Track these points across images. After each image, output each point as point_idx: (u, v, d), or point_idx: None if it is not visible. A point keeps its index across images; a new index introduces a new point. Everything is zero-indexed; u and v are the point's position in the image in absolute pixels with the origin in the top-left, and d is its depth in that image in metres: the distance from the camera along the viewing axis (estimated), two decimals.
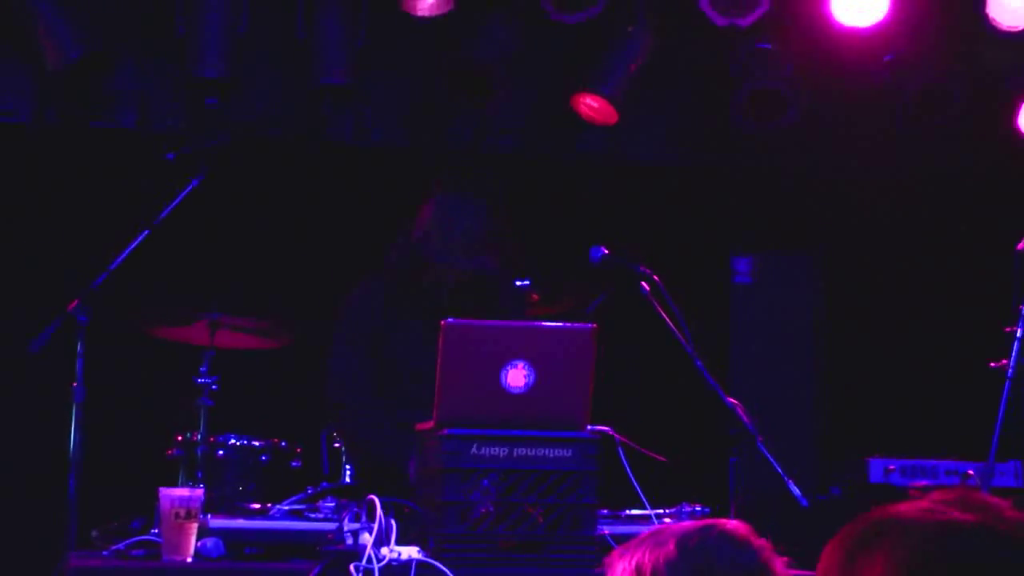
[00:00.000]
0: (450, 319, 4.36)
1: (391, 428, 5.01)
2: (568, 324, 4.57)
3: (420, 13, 6.39)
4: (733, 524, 2.19)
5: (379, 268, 5.25)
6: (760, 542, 2.21)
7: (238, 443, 5.43)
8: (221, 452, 5.42)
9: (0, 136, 6.63)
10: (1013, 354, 4.81)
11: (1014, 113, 6.83)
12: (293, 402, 5.96)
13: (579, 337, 4.41)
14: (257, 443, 5.44)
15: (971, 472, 5.50)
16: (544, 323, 4.63)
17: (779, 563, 2.19)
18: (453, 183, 5.28)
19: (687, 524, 2.18)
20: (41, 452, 6.02)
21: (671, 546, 2.14)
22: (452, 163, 6.92)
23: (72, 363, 5.09)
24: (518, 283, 5.43)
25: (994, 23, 6.58)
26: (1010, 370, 4.79)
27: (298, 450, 5.60)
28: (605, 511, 4.53)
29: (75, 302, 5.24)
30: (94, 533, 4.73)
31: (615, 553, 2.12)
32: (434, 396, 4.33)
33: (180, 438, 5.54)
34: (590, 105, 6.75)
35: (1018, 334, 4.81)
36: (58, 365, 5.17)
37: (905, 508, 1.77)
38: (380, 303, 5.15)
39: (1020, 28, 6.58)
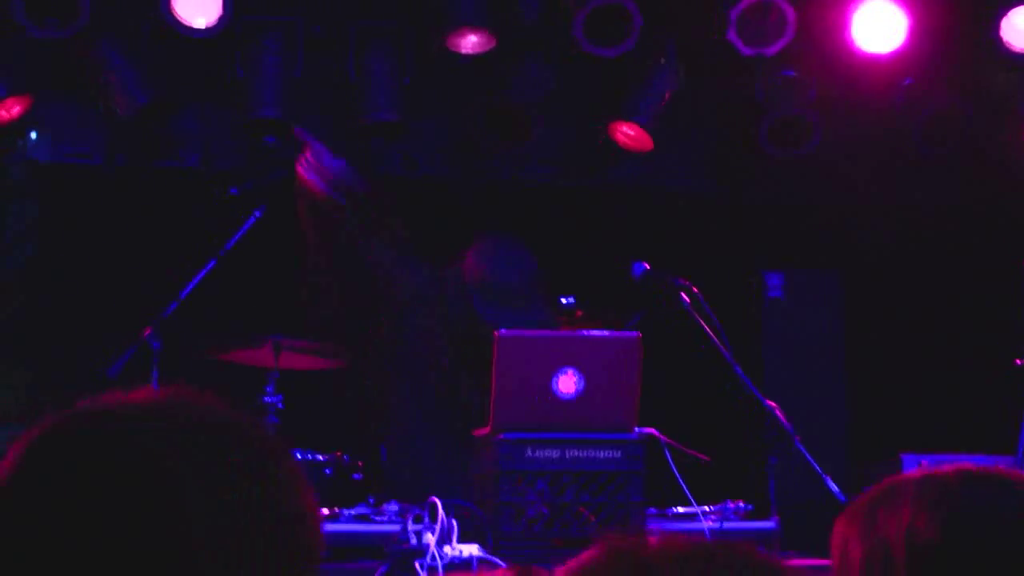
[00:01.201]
0: (503, 330, 4.44)
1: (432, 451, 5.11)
2: (614, 332, 4.65)
3: (464, 51, 6.50)
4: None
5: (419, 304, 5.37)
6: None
7: (303, 457, 5.49)
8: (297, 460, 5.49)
9: (76, 177, 6.78)
10: None
11: None
12: (353, 418, 6.04)
13: (625, 345, 4.49)
14: (321, 457, 5.50)
15: (1001, 466, 5.52)
16: (592, 332, 4.71)
17: None
18: (493, 231, 5.38)
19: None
20: None
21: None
22: (495, 193, 7.02)
23: (147, 386, 5.17)
24: (564, 300, 5.51)
25: (1008, 47, 6.62)
26: None
27: (359, 463, 5.66)
28: (653, 509, 4.59)
29: (149, 329, 5.36)
30: None
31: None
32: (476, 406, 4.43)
33: None
34: (627, 133, 6.83)
35: None
36: (134, 388, 5.25)
37: (921, 471, 1.74)
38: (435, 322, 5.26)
39: None
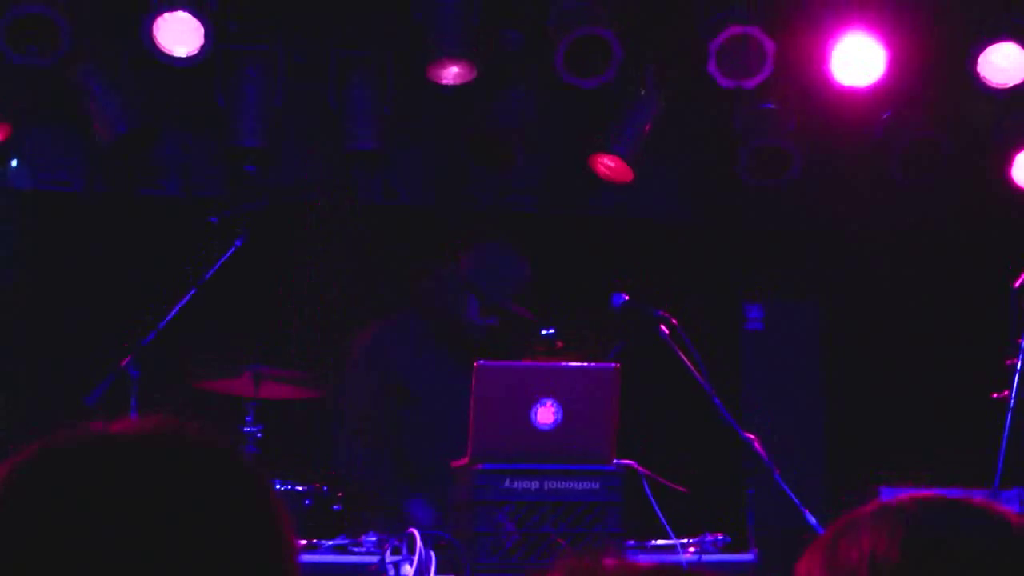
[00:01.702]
0: (482, 361, 4.43)
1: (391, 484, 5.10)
2: (593, 364, 4.64)
3: (445, 81, 6.51)
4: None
5: (396, 310, 5.36)
6: None
7: (282, 488, 5.47)
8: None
9: (55, 205, 6.77)
10: (1014, 385, 4.85)
11: (1007, 165, 6.90)
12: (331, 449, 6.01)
13: (603, 376, 4.48)
14: (300, 488, 5.47)
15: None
16: (570, 363, 4.70)
17: None
18: (489, 237, 5.40)
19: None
20: None
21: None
22: (477, 222, 7.02)
23: (126, 415, 5.15)
24: (544, 331, 5.49)
25: (984, 81, 6.66)
26: (1011, 400, 4.84)
27: (339, 494, 5.63)
28: (631, 541, 4.57)
29: (128, 358, 5.33)
30: None
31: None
32: (451, 428, 4.41)
33: None
34: (607, 165, 6.85)
35: (1018, 366, 4.86)
36: (112, 418, 5.22)
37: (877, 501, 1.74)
38: (400, 339, 5.23)
39: (1009, 86, 6.66)
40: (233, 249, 5.55)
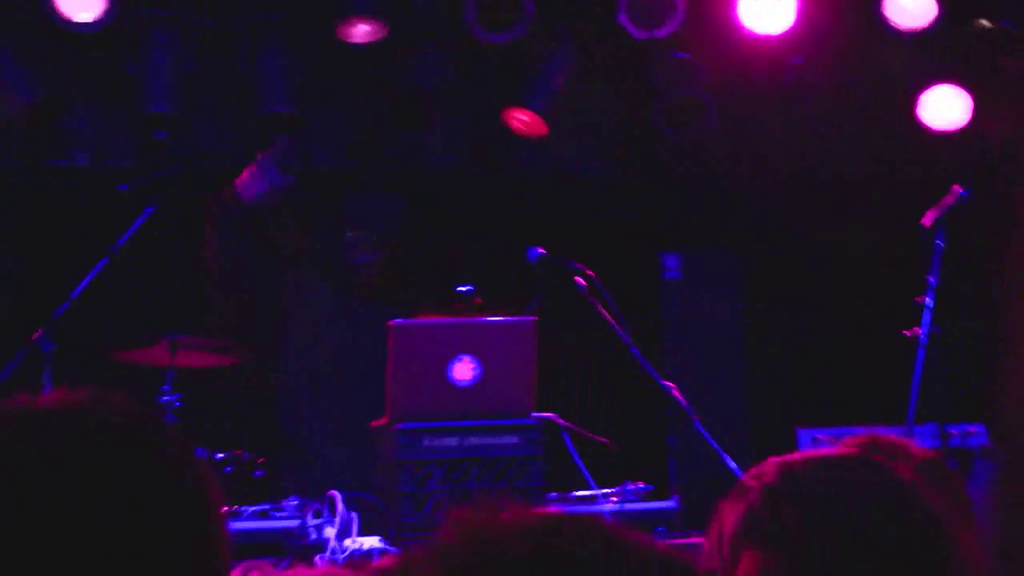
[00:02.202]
0: (397, 319, 4.39)
1: None
2: (510, 318, 4.62)
3: (356, 40, 6.42)
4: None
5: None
6: None
7: (202, 456, 5.40)
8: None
9: None
10: (924, 322, 4.88)
11: (916, 107, 6.93)
12: (253, 415, 5.95)
13: (521, 330, 4.46)
14: (220, 455, 5.41)
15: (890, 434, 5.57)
16: (487, 318, 4.68)
17: None
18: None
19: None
20: None
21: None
22: (392, 182, 6.96)
23: (40, 390, 5.06)
24: (461, 288, 5.46)
25: (892, 25, 6.68)
26: (922, 337, 4.87)
27: (260, 460, 5.58)
28: (554, 493, 4.56)
29: (40, 331, 5.22)
30: None
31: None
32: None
33: None
34: (521, 119, 6.80)
35: (927, 303, 4.89)
36: (26, 393, 5.12)
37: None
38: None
39: (916, 29, 6.69)
40: (144, 217, 5.45)
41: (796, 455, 1.82)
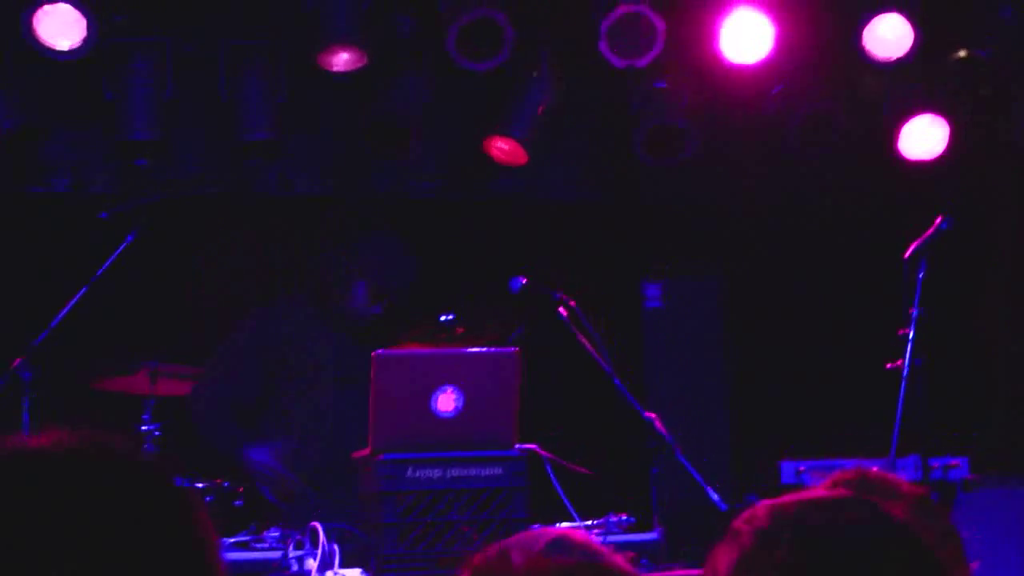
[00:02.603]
0: (380, 350, 4.37)
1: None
2: (492, 349, 4.61)
3: (335, 68, 6.42)
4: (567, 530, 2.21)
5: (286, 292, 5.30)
6: (596, 542, 2.26)
7: (182, 485, 5.36)
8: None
9: None
10: (907, 355, 4.89)
11: (895, 137, 6.97)
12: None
13: (504, 361, 4.44)
14: (201, 484, 5.38)
15: (875, 468, 5.58)
16: (470, 349, 4.66)
17: (620, 560, 2.23)
18: (384, 227, 5.37)
19: (519, 537, 2.20)
20: None
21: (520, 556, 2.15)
22: (372, 209, 6.94)
23: (19, 418, 5.03)
24: (443, 317, 5.44)
25: (870, 55, 6.71)
26: (905, 370, 4.88)
27: (239, 489, 5.54)
28: (537, 525, 4.54)
29: (18, 360, 5.19)
30: None
31: None
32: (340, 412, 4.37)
33: None
34: (501, 148, 6.81)
35: (910, 336, 4.90)
36: (4, 421, 5.10)
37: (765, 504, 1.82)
38: (286, 322, 5.16)
39: (894, 59, 6.72)
40: (125, 245, 5.42)
41: (787, 497, 1.82)
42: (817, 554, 1.70)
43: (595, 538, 2.19)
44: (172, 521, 1.31)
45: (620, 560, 1.96)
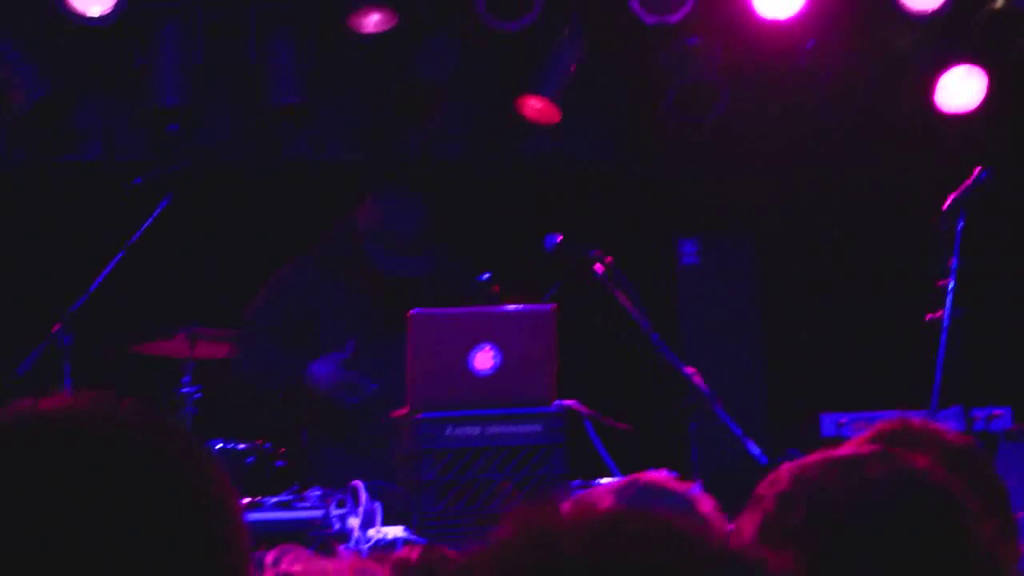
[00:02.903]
0: (416, 309, 4.37)
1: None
2: (529, 306, 4.60)
3: (366, 30, 6.40)
4: (655, 475, 2.22)
5: (308, 254, 5.27)
6: (686, 486, 2.25)
7: (224, 447, 5.39)
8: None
9: None
10: (947, 306, 4.86)
11: (931, 89, 6.90)
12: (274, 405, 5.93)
13: (540, 318, 4.44)
14: (242, 446, 5.40)
15: (919, 419, 5.55)
16: (506, 307, 4.66)
17: (706, 505, 2.23)
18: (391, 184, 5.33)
19: (612, 483, 2.20)
20: None
21: (611, 500, 2.15)
22: (404, 172, 6.94)
23: (59, 383, 5.06)
24: (479, 276, 5.43)
25: (904, 7, 6.65)
26: (945, 321, 4.85)
27: (281, 450, 5.57)
28: (577, 482, 4.54)
29: (58, 325, 5.22)
30: None
31: None
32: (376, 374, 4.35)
33: None
34: (534, 107, 6.78)
35: (950, 287, 4.87)
36: (46, 387, 5.13)
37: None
38: (309, 286, 5.15)
39: (929, 11, 6.66)
40: (159, 210, 5.44)
41: (812, 457, 1.82)
42: (835, 516, 1.70)
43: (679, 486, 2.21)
44: (185, 479, 1.29)
45: (703, 505, 1.96)
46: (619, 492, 2.23)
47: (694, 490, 2.28)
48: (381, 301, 5.03)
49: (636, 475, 2.26)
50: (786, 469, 1.80)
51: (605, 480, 4.57)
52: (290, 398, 4.98)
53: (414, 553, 2.23)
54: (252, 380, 5.07)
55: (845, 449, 1.91)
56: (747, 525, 1.76)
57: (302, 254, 5.34)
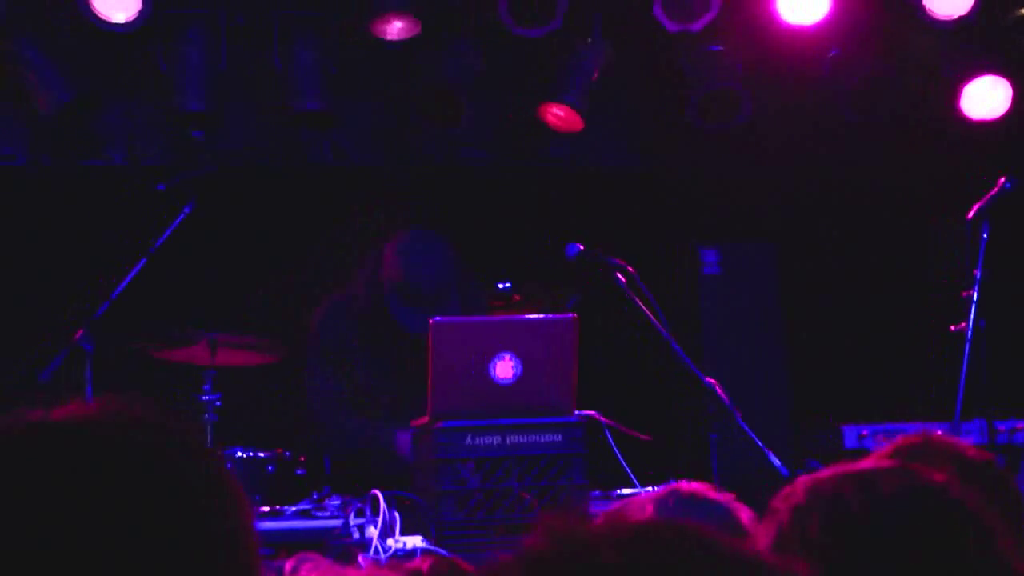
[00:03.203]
0: (437, 317, 4.37)
1: (368, 434, 5.04)
2: (550, 316, 4.59)
3: (390, 37, 6.41)
4: (694, 485, 2.22)
5: (343, 292, 5.29)
6: (725, 496, 2.24)
7: (244, 455, 5.39)
8: (229, 465, 5.38)
9: (0, 179, 6.63)
10: (970, 317, 4.82)
11: (956, 97, 6.86)
12: (294, 413, 5.94)
13: (561, 327, 4.42)
14: (262, 454, 5.40)
15: (939, 432, 5.53)
16: (527, 316, 4.65)
17: (745, 514, 2.22)
18: (414, 225, 5.32)
19: (652, 493, 2.21)
20: None
21: (650, 510, 2.15)
22: (427, 178, 6.94)
23: (81, 389, 5.08)
24: (500, 285, 5.43)
25: (930, 13, 6.61)
26: (969, 332, 4.81)
27: (301, 458, 5.57)
28: (596, 492, 4.53)
29: (81, 331, 5.23)
30: None
31: None
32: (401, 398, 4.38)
33: None
34: (556, 114, 6.77)
35: (974, 298, 4.83)
36: (68, 392, 5.14)
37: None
38: (344, 325, 5.17)
39: (954, 18, 6.62)
40: (183, 216, 5.45)
41: (828, 471, 1.81)
42: (849, 531, 1.70)
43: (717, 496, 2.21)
44: (186, 479, 1.29)
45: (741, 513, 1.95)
46: (659, 501, 2.23)
47: (732, 500, 2.28)
48: (406, 351, 5.02)
49: (675, 484, 2.25)
50: (802, 482, 1.80)
51: (625, 491, 4.57)
52: (374, 459, 5.03)
53: (426, 564, 2.22)
54: (332, 440, 5.15)
55: (863, 463, 1.90)
56: (762, 537, 1.76)
57: (335, 293, 5.36)
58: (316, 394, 5.19)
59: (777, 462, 4.51)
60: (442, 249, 5.08)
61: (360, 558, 4.07)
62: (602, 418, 4.55)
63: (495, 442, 4.30)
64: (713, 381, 4.69)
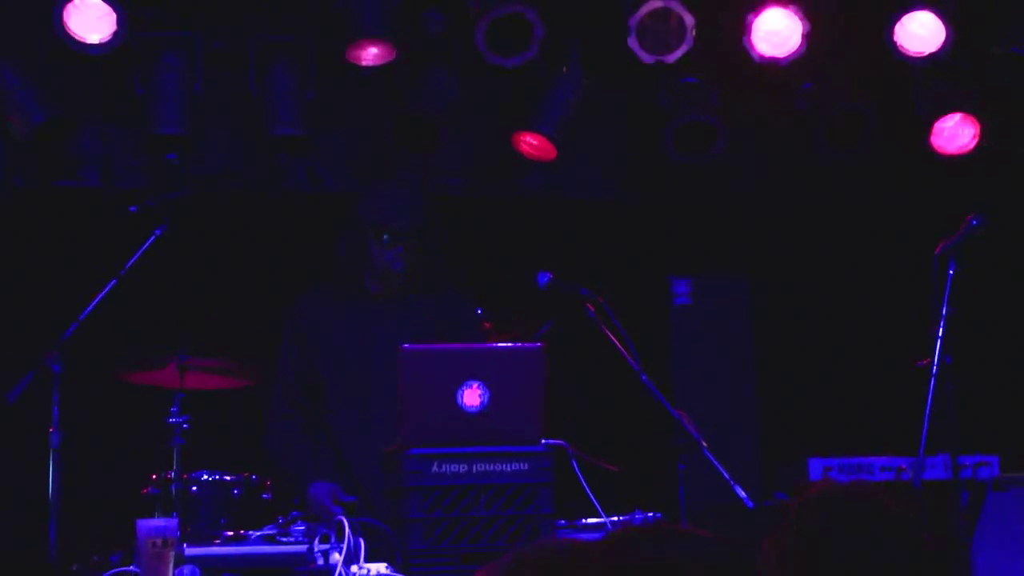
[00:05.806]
0: (406, 345, 4.37)
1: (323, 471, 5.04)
2: (519, 344, 4.60)
3: (365, 63, 6.43)
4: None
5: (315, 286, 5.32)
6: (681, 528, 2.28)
7: (211, 479, 5.35)
8: (195, 488, 5.33)
9: None
10: (936, 353, 4.85)
11: (926, 134, 6.91)
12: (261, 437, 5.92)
13: (530, 356, 4.42)
14: (229, 478, 5.37)
15: (904, 466, 5.55)
16: (496, 344, 4.65)
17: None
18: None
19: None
20: (19, 497, 5.96)
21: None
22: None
23: (49, 411, 5.05)
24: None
25: (902, 50, 6.67)
26: (934, 367, 4.83)
27: (267, 483, 5.54)
28: (562, 521, 4.53)
29: (49, 353, 5.20)
30: (75, 567, 4.67)
31: None
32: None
33: (155, 477, 5.46)
34: (530, 143, 6.79)
35: (940, 334, 4.85)
36: (35, 413, 5.13)
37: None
38: (317, 309, 5.18)
39: (926, 55, 6.68)
40: (154, 238, 5.43)
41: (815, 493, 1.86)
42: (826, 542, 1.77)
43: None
44: None
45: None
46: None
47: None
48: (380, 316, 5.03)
49: (633, 517, 2.25)
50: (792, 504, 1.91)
51: (590, 520, 4.56)
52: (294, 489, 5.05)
53: None
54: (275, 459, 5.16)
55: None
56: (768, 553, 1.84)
57: (300, 288, 5.36)
58: (271, 419, 5.20)
59: (743, 494, 4.52)
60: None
61: None
62: (569, 447, 4.54)
63: (462, 470, 4.29)
64: (681, 412, 4.70)
